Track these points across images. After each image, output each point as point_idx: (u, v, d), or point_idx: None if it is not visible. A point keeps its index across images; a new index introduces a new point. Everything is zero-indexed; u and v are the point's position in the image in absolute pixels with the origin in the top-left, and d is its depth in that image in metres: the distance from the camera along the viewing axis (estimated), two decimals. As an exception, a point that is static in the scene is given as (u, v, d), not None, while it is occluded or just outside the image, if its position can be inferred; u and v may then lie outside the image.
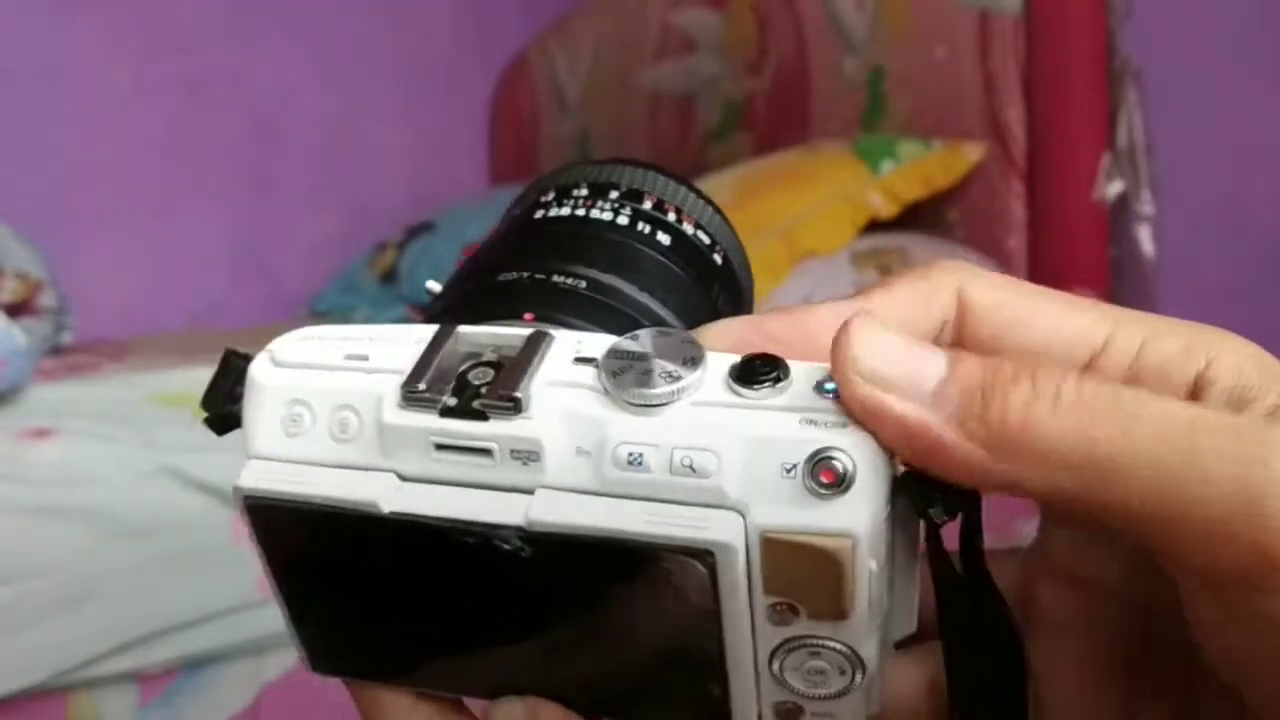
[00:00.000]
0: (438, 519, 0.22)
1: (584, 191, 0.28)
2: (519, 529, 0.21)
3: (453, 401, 0.22)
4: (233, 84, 1.92)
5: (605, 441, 0.21)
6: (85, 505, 0.87)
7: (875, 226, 1.30)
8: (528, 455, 0.21)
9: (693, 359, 0.22)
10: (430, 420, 0.22)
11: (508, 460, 0.22)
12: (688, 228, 0.28)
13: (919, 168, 1.30)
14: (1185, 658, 0.23)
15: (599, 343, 0.23)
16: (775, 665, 0.22)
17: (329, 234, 1.99)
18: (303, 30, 1.98)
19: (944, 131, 1.33)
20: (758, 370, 0.21)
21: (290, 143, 1.98)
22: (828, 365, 0.21)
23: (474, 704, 0.26)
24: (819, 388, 0.21)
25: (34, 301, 1.30)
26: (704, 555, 0.21)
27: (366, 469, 0.22)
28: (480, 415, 0.22)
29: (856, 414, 0.21)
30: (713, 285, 0.28)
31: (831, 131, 1.47)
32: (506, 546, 0.21)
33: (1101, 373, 0.22)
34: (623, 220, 0.28)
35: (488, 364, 0.22)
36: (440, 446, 0.22)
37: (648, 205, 0.28)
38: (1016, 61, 1.29)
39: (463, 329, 0.23)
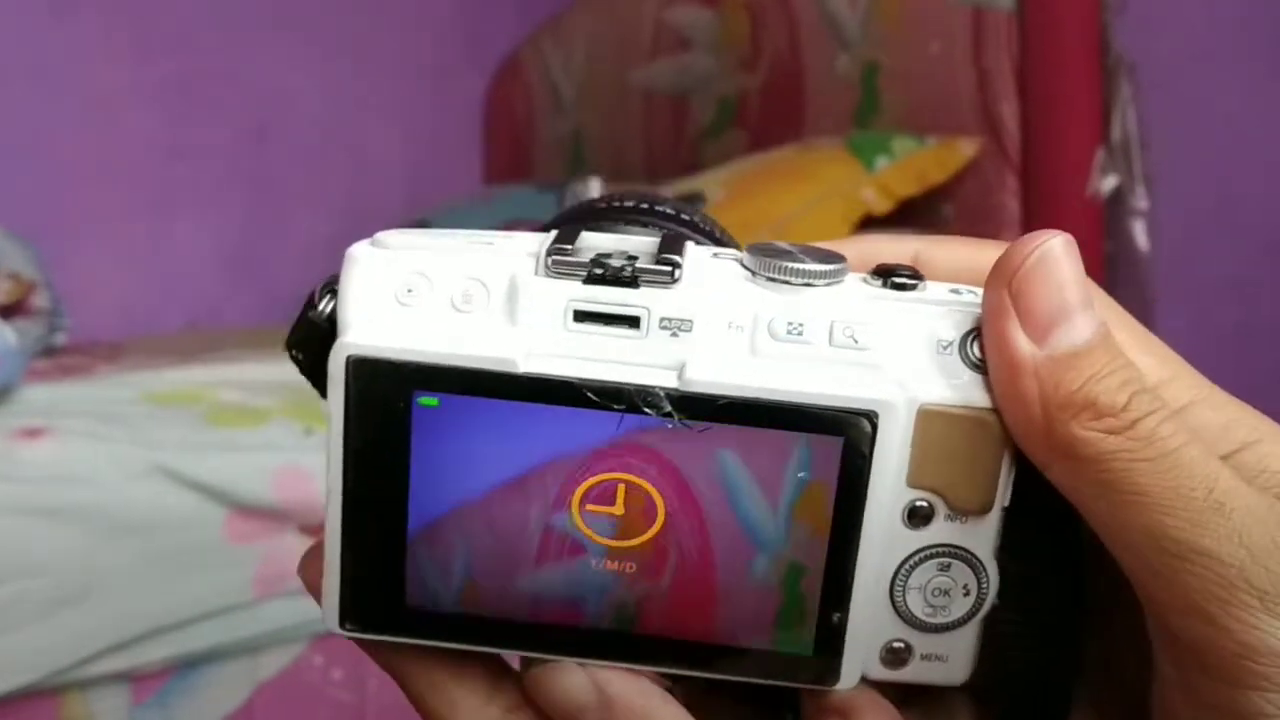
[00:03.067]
0: (580, 380, 0.20)
1: (636, 199, 0.28)
2: (671, 391, 0.20)
3: (600, 270, 0.21)
4: (228, 85, 1.92)
5: (759, 315, 0.21)
6: (78, 505, 0.87)
7: (870, 223, 1.30)
8: (679, 325, 0.21)
9: (834, 257, 0.22)
10: (572, 287, 0.21)
11: (655, 331, 0.21)
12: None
13: (913, 163, 1.30)
14: None
15: (732, 250, 0.22)
16: (898, 586, 0.22)
17: (324, 234, 1.99)
18: (297, 31, 1.97)
19: (938, 127, 1.33)
20: (897, 271, 0.22)
21: (285, 143, 1.98)
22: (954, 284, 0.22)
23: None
24: (954, 290, 0.22)
25: (27, 302, 1.29)
26: (867, 416, 0.20)
27: (483, 354, 0.21)
28: (631, 282, 0.21)
29: (985, 307, 0.20)
30: None
31: (825, 128, 1.47)
32: (654, 413, 0.20)
33: None
34: (685, 216, 0.28)
35: (623, 257, 0.21)
36: (580, 316, 0.21)
37: (697, 219, 0.28)
38: (1010, 57, 1.29)
39: (587, 233, 0.22)
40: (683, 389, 0.21)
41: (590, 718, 0.22)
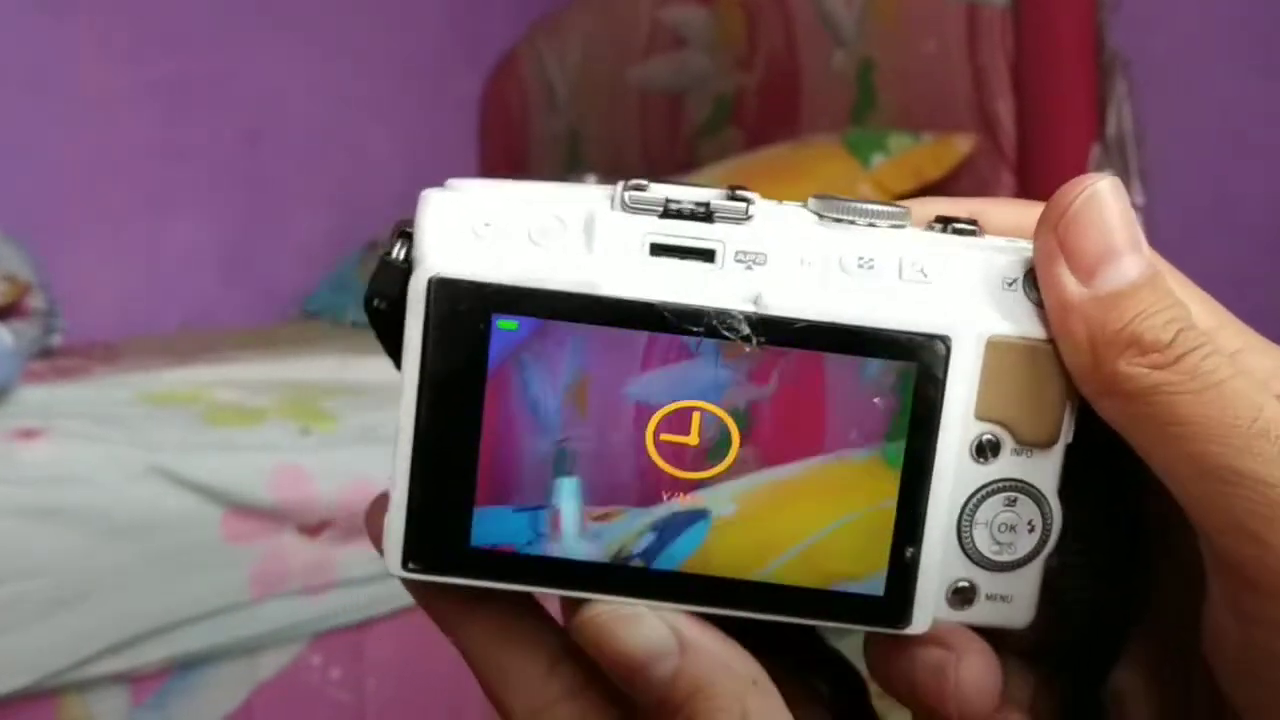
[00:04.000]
0: (660, 303, 0.21)
1: None
2: (750, 314, 0.21)
3: (675, 207, 0.21)
4: (223, 85, 1.91)
5: (830, 250, 0.22)
6: (75, 505, 0.87)
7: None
8: (753, 258, 0.21)
9: (896, 205, 0.22)
10: (649, 221, 0.21)
11: (731, 264, 0.21)
12: None
13: (909, 160, 1.30)
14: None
15: (793, 202, 0.23)
16: (965, 522, 0.22)
17: (320, 234, 1.99)
18: (293, 31, 1.97)
19: (934, 124, 1.33)
20: (956, 219, 0.23)
21: (281, 143, 1.98)
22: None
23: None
24: (1011, 241, 0.22)
25: (23, 304, 1.29)
26: (941, 340, 0.21)
27: (563, 277, 0.21)
28: (706, 217, 0.21)
29: (1035, 249, 0.21)
30: None
31: (822, 125, 1.47)
32: (732, 336, 0.21)
33: None
34: None
35: (693, 201, 0.22)
36: (657, 249, 0.21)
37: None
38: (1005, 54, 1.29)
39: (654, 184, 0.22)
40: (761, 313, 0.21)
41: (664, 667, 0.21)
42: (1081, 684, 0.25)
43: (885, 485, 0.22)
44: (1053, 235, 0.21)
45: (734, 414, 0.21)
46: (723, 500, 0.22)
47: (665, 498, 0.22)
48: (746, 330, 0.21)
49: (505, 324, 0.21)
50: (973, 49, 1.31)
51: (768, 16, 1.57)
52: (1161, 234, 1.29)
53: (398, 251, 0.22)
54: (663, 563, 0.22)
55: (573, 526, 0.22)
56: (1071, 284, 0.21)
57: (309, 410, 1.01)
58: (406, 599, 0.96)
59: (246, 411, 1.00)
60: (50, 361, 1.25)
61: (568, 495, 0.22)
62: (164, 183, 1.87)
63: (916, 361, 0.21)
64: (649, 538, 0.22)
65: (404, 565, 0.22)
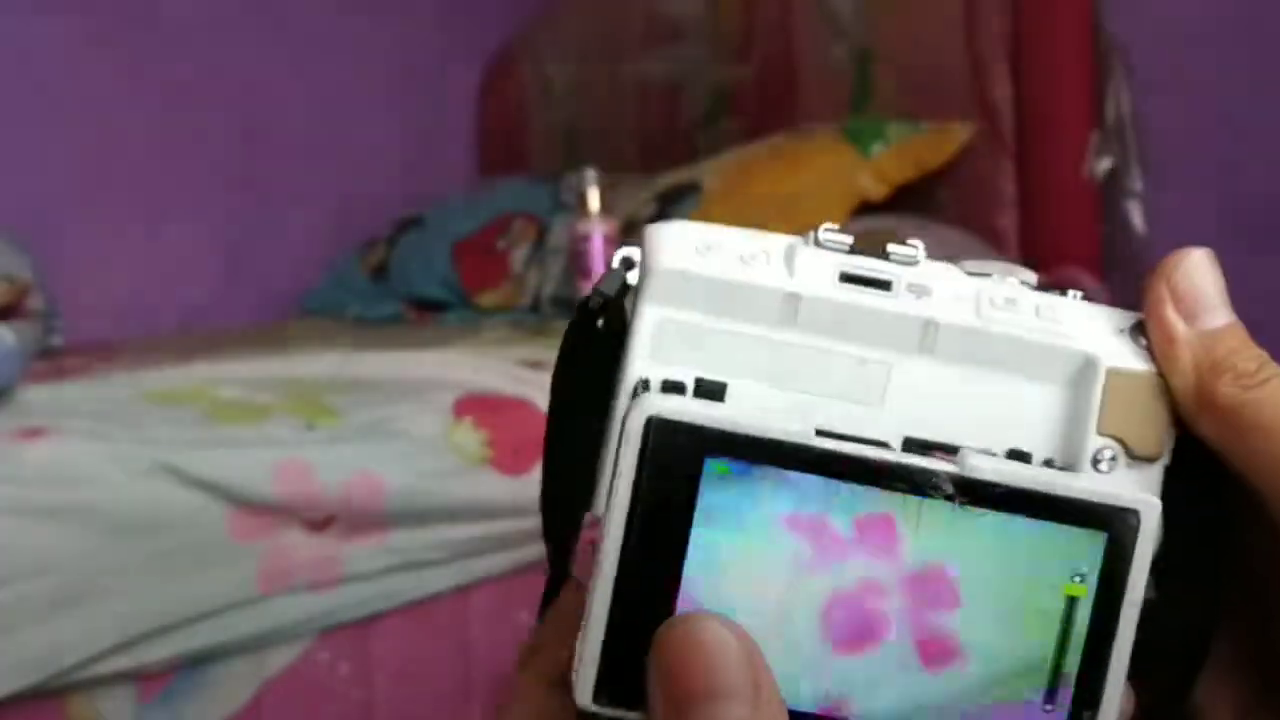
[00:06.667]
0: (869, 458, 0.23)
1: None
2: (955, 476, 0.23)
3: (859, 247, 0.26)
4: (219, 84, 1.91)
5: (980, 290, 0.26)
6: (80, 504, 0.87)
7: (866, 208, 1.30)
8: (921, 290, 0.25)
9: (1025, 267, 0.27)
10: (838, 257, 0.25)
11: (904, 293, 0.25)
12: None
13: (909, 149, 1.30)
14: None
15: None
16: None
17: (318, 231, 1.99)
18: (288, 28, 1.97)
19: (933, 113, 1.33)
20: (1064, 283, 0.27)
21: (278, 141, 1.97)
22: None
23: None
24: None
25: (22, 304, 1.29)
26: (1131, 513, 0.24)
27: (771, 284, 0.25)
28: (884, 257, 0.26)
29: (1148, 297, 0.26)
30: None
31: (820, 115, 1.47)
32: (936, 495, 0.23)
33: None
34: None
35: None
36: (845, 277, 0.25)
37: None
38: (1004, 42, 1.29)
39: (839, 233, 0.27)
40: (964, 474, 0.23)
41: (737, 710, 0.21)
42: (1165, 697, 0.27)
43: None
44: (1164, 285, 0.26)
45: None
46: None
47: (896, 645, 0.23)
48: (950, 490, 0.23)
49: (718, 466, 0.22)
50: (971, 37, 1.31)
51: (765, 7, 1.57)
52: (1160, 218, 1.29)
53: (620, 264, 0.26)
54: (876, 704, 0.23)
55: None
56: (1180, 323, 0.26)
57: (313, 405, 1.01)
58: (414, 594, 0.96)
59: (250, 408, 1.00)
60: (51, 362, 1.25)
61: None
62: (162, 182, 1.87)
63: (1108, 532, 0.23)
64: (870, 685, 0.23)
65: (595, 699, 0.22)
